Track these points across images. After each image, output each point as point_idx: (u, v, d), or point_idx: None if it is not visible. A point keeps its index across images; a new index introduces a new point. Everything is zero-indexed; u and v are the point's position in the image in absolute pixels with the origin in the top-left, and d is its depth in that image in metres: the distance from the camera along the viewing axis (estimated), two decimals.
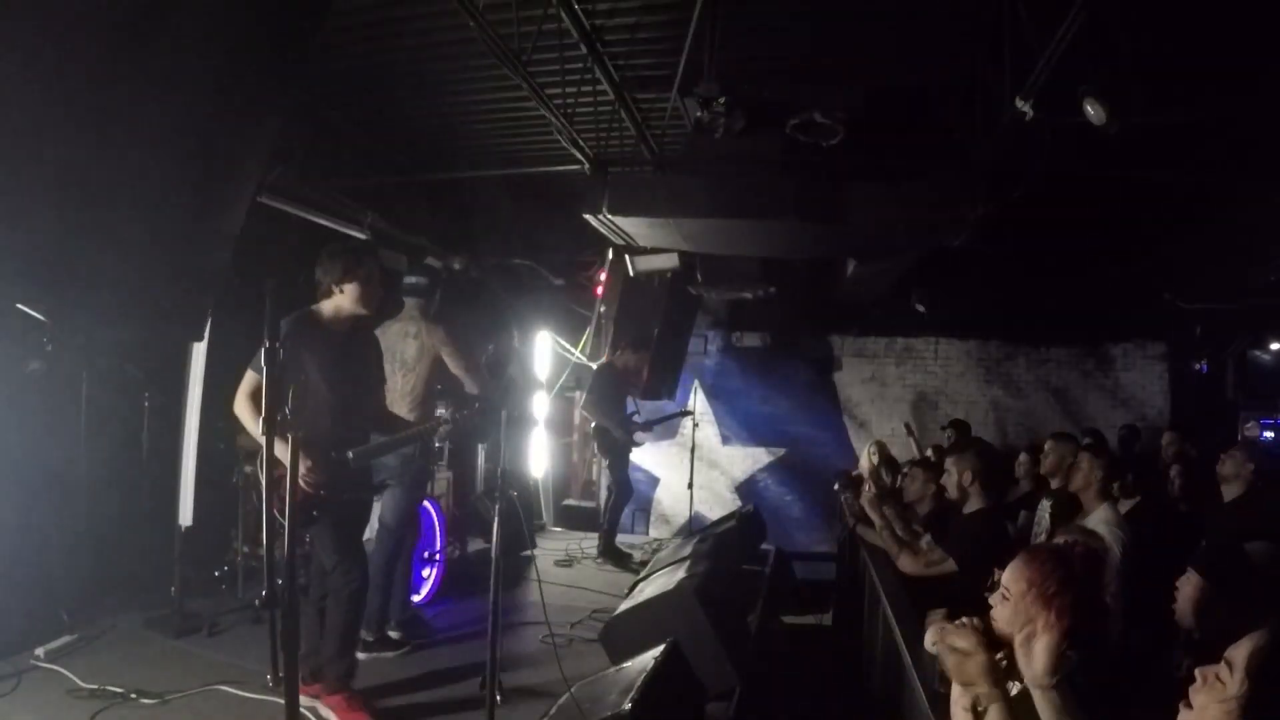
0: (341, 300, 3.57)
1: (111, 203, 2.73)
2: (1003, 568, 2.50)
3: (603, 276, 8.34)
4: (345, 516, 3.64)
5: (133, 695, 3.70)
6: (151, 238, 2.96)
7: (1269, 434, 9.24)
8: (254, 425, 3.38)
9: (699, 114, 4.83)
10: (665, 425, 10.52)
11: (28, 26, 2.36)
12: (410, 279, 5.07)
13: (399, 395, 4.62)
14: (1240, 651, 1.65)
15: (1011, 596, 2.28)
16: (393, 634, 4.66)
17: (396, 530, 4.68)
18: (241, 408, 3.51)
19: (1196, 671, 1.71)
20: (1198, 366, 10.19)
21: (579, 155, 5.45)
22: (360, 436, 3.71)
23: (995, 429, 10.30)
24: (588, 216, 5.60)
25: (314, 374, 3.43)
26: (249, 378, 3.50)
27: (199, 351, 4.83)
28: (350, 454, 3.56)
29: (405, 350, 4.75)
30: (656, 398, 8.62)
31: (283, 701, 2.43)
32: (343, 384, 3.55)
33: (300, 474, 3.24)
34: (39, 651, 4.06)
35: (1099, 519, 4.00)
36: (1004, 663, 2.40)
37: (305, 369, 3.37)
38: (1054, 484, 5.10)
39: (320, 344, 3.49)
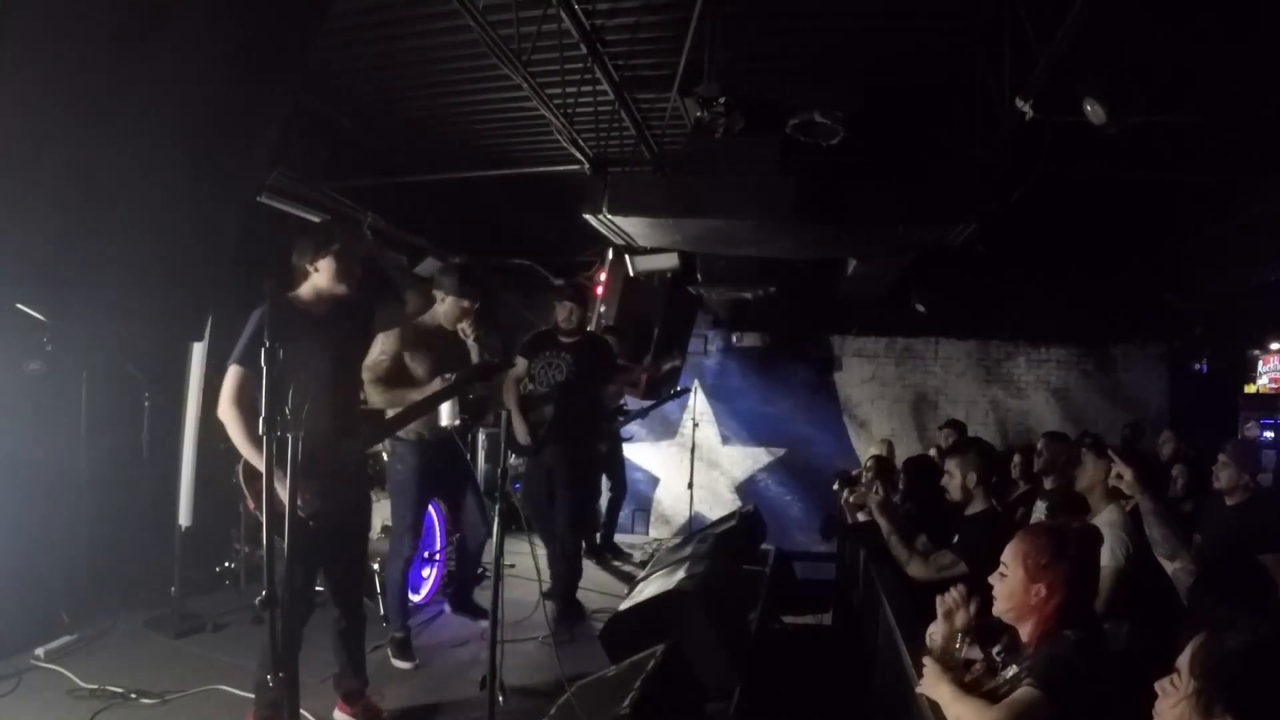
0: (319, 279, 3.32)
1: (112, 203, 2.73)
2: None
3: (603, 276, 8.34)
4: (330, 539, 3.33)
5: (133, 695, 3.70)
6: (152, 237, 2.95)
7: (1269, 434, 9.23)
8: (241, 432, 3.13)
9: (699, 114, 4.83)
10: (665, 424, 10.56)
11: (29, 25, 2.36)
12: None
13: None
14: (1185, 655, 1.73)
15: (1008, 573, 2.36)
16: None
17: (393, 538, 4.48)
18: (228, 412, 3.17)
19: (1157, 685, 1.77)
20: (1198, 366, 10.18)
21: (579, 155, 5.45)
22: (349, 422, 3.48)
23: (995, 429, 10.30)
24: (588, 216, 5.60)
25: (297, 362, 3.05)
26: (235, 374, 3.19)
27: (199, 351, 4.82)
28: (338, 448, 3.31)
29: None
30: (656, 398, 8.62)
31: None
32: (330, 374, 3.32)
33: (291, 498, 3.15)
34: (39, 651, 4.06)
35: (1105, 520, 3.97)
36: (1000, 654, 2.44)
37: (287, 359, 3.22)
38: (1048, 483, 5.09)
39: (302, 329, 3.22)
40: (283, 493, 3.10)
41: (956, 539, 4.20)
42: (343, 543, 3.47)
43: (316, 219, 6.03)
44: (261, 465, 2.73)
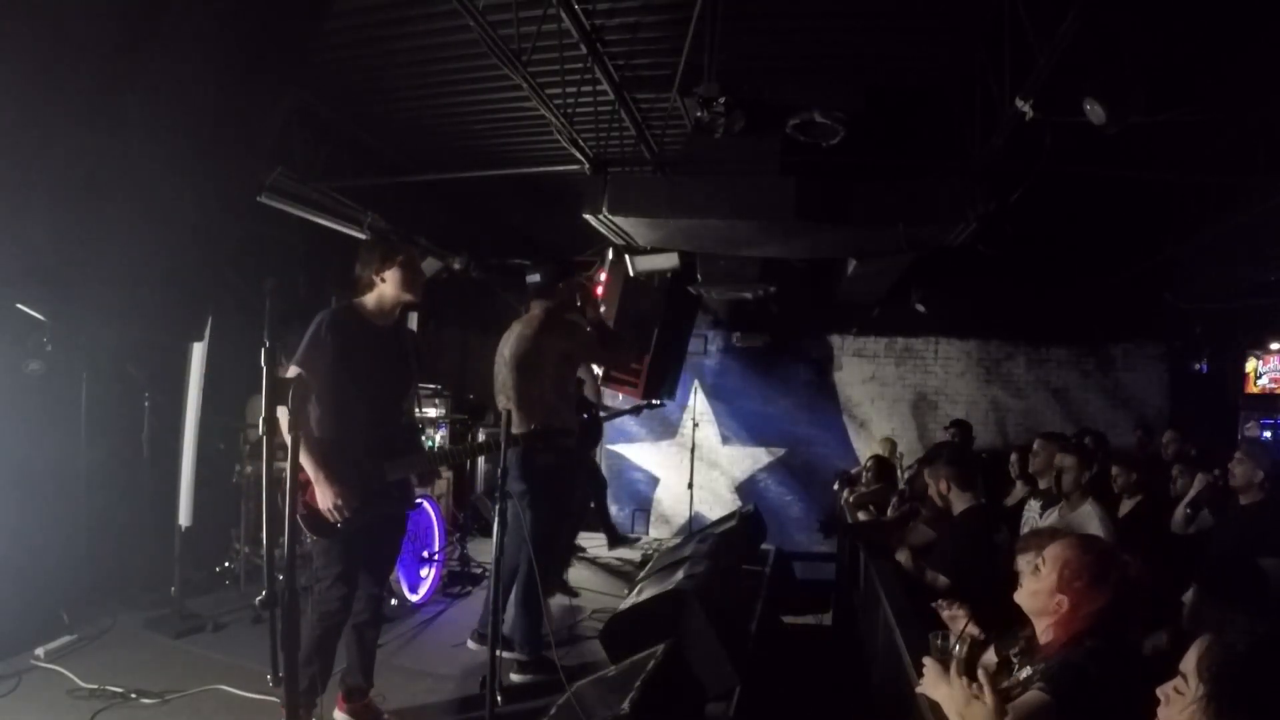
0: (385, 289, 3.43)
1: (112, 203, 2.74)
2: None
3: (603, 276, 8.33)
4: (368, 534, 3.40)
5: (133, 695, 3.70)
6: (152, 238, 2.96)
7: (1268, 434, 9.23)
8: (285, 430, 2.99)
9: (699, 114, 4.83)
10: (665, 424, 10.56)
11: (30, 27, 2.36)
12: (531, 276, 4.59)
13: (522, 400, 4.18)
14: (1190, 660, 1.69)
15: (1043, 572, 2.32)
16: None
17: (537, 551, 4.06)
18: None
19: (1159, 692, 1.74)
20: (1198, 366, 10.18)
21: (579, 155, 5.45)
22: (401, 438, 3.55)
23: (995, 429, 10.30)
24: (588, 216, 5.60)
25: (358, 371, 3.31)
26: (293, 374, 3.13)
27: (199, 351, 4.83)
28: (385, 466, 3.37)
29: (521, 350, 4.26)
30: (656, 398, 8.63)
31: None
32: (387, 381, 3.44)
33: (328, 503, 3.15)
34: (39, 651, 4.06)
35: (1085, 515, 4.00)
36: (1016, 655, 2.43)
37: (347, 365, 3.27)
38: (1042, 483, 5.12)
39: (366, 339, 3.36)
40: (323, 495, 3.14)
41: (940, 547, 4.29)
42: (375, 543, 3.50)
43: (317, 219, 6.04)
44: (304, 463, 2.81)
